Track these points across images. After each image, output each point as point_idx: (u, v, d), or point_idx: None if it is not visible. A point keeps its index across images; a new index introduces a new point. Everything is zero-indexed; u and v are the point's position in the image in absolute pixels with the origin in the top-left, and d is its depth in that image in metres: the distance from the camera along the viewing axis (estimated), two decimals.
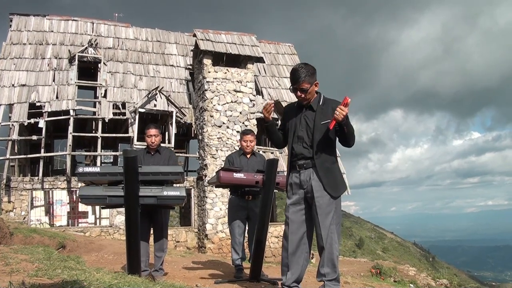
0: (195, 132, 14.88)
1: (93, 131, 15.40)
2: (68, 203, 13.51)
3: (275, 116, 15.03)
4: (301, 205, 3.12)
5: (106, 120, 14.40)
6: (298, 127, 3.14)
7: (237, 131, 13.34)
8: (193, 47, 14.86)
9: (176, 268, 5.59)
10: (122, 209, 3.80)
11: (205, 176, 13.17)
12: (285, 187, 3.33)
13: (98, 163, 14.05)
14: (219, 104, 13.55)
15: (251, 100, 14.04)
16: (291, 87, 3.12)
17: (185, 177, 14.06)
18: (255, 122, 14.04)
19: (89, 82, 15.30)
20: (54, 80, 14.61)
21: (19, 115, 13.44)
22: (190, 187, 14.27)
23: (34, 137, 13.39)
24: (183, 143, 18.26)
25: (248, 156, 4.82)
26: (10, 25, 15.71)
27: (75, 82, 14.66)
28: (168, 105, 14.93)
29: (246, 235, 4.82)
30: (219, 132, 13.36)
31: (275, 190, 4.27)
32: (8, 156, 12.90)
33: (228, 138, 13.41)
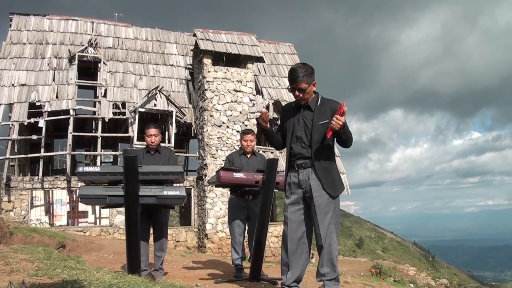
0: (195, 131, 14.88)
1: (93, 131, 15.40)
2: (68, 203, 13.51)
3: (275, 115, 15.04)
4: (299, 205, 3.12)
5: (106, 120, 14.40)
6: (296, 127, 3.14)
7: (237, 131, 13.34)
8: (193, 46, 14.86)
9: (176, 267, 5.58)
10: (122, 209, 3.80)
11: (205, 175, 13.17)
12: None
13: (98, 163, 14.05)
14: (219, 104, 13.55)
15: (251, 100, 14.04)
16: (289, 87, 3.13)
17: (185, 176, 14.06)
18: (255, 121, 14.05)
19: (89, 81, 15.30)
20: (54, 80, 14.61)
21: (19, 114, 13.44)
22: (190, 187, 14.28)
23: (34, 137, 13.38)
24: (183, 143, 18.25)
25: (249, 155, 4.82)
26: (10, 25, 15.71)
27: (75, 82, 14.66)
28: (168, 105, 14.93)
29: (246, 234, 4.82)
30: (219, 132, 13.36)
31: (275, 190, 4.27)
32: (8, 155, 12.90)
33: (228, 138, 13.41)
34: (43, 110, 13.79)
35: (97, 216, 13.83)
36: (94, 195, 3.70)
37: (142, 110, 14.55)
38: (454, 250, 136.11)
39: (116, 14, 18.24)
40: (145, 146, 4.55)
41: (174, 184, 4.00)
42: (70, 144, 13.48)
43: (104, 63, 15.50)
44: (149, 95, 14.79)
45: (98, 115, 14.35)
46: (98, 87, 15.15)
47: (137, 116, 14.40)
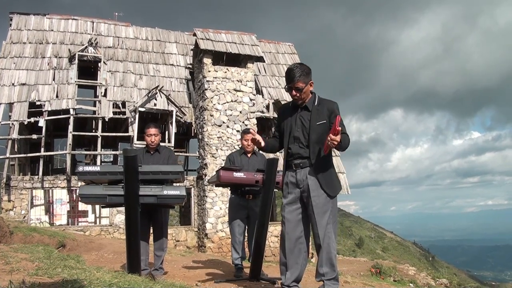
0: (195, 131, 14.88)
1: (93, 130, 15.41)
2: (68, 202, 13.52)
3: (275, 115, 15.03)
4: (297, 204, 3.12)
5: (106, 119, 14.40)
6: (294, 127, 3.15)
7: (237, 131, 13.34)
8: (193, 46, 14.86)
9: (176, 267, 5.58)
10: (122, 208, 3.80)
11: (205, 175, 13.18)
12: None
13: (98, 162, 14.05)
14: (219, 103, 13.55)
15: (251, 100, 14.05)
16: (286, 86, 3.15)
17: (185, 176, 14.07)
18: (255, 121, 14.05)
19: (89, 81, 15.31)
20: (54, 79, 14.61)
21: (19, 114, 13.44)
22: (190, 186, 14.28)
23: (34, 136, 13.39)
24: (183, 142, 18.25)
25: (249, 155, 4.82)
26: (10, 24, 15.71)
27: (75, 81, 14.66)
28: (168, 104, 14.93)
29: (246, 234, 4.82)
30: (219, 131, 13.36)
31: (275, 190, 4.27)
32: (8, 155, 12.91)
33: (228, 138, 13.41)
34: (43, 110, 13.80)
35: (97, 215, 13.84)
36: (94, 194, 3.70)
37: (142, 109, 14.55)
38: (454, 250, 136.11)
39: (116, 14, 18.26)
40: (145, 146, 4.56)
41: (174, 184, 4.00)
42: (70, 144, 13.49)
43: (104, 62, 15.50)
44: (149, 95, 14.79)
45: (98, 114, 14.35)
46: (98, 87, 15.15)
47: (137, 116, 14.40)
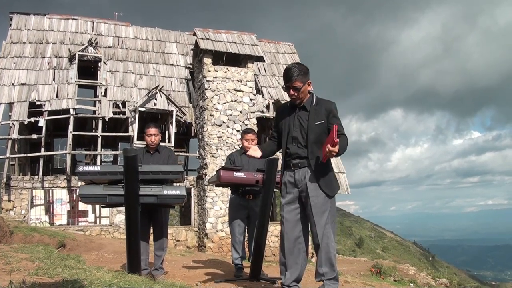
0: (195, 131, 14.88)
1: (93, 130, 15.41)
2: (68, 202, 13.53)
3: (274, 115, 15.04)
4: (295, 204, 3.12)
5: (106, 119, 14.40)
6: (292, 127, 3.15)
7: (237, 130, 13.35)
8: (193, 46, 14.86)
9: (176, 267, 5.58)
10: (122, 208, 3.80)
11: (205, 175, 13.18)
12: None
13: (98, 162, 14.05)
14: (219, 103, 13.55)
15: (251, 99, 14.04)
16: (284, 86, 3.15)
17: (185, 176, 14.07)
18: (255, 121, 14.05)
19: (89, 81, 15.31)
20: (54, 79, 14.61)
21: (19, 114, 13.44)
22: (190, 186, 14.28)
23: (34, 136, 13.39)
24: (183, 142, 18.26)
25: None
26: (10, 24, 15.71)
27: (75, 81, 14.66)
28: (168, 104, 14.93)
29: (246, 234, 4.82)
30: (219, 131, 13.36)
31: (275, 190, 4.27)
32: (8, 155, 12.91)
33: (228, 137, 13.41)
34: (43, 110, 13.80)
35: (97, 215, 13.84)
36: (94, 194, 3.70)
37: (142, 109, 14.55)
38: (454, 250, 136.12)
39: (116, 14, 18.25)
40: (145, 146, 4.56)
41: (174, 184, 4.00)
42: (70, 144, 13.49)
43: (104, 62, 15.50)
44: (149, 95, 14.79)
45: (98, 114, 14.35)
46: (98, 87, 15.15)
47: (137, 116, 14.40)
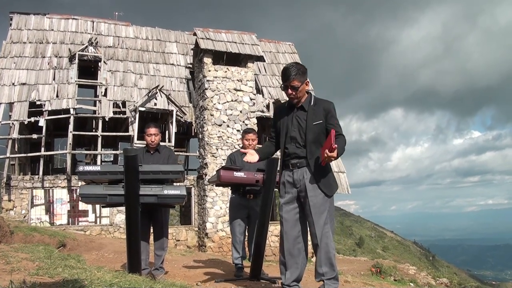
0: (195, 131, 14.88)
1: (93, 130, 15.41)
2: (68, 202, 13.53)
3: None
4: (294, 204, 3.12)
5: (106, 119, 14.40)
6: (290, 127, 3.16)
7: (237, 130, 13.35)
8: (194, 45, 14.86)
9: (177, 266, 5.59)
10: (123, 208, 3.80)
11: (206, 175, 13.18)
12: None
13: (99, 162, 14.06)
14: (219, 103, 13.55)
15: (251, 99, 14.04)
16: (282, 85, 3.16)
17: (185, 176, 14.07)
18: (255, 121, 14.05)
19: (89, 80, 15.30)
20: (54, 79, 14.61)
21: (19, 113, 13.44)
22: (191, 186, 14.28)
23: (34, 136, 13.39)
24: (183, 142, 18.26)
25: None
26: (10, 24, 15.70)
27: (75, 81, 14.66)
28: (168, 104, 14.93)
29: (247, 234, 4.82)
30: (219, 131, 13.36)
31: (275, 189, 4.27)
32: (8, 154, 12.91)
33: (228, 137, 13.41)
34: (44, 109, 13.80)
35: (98, 215, 13.85)
36: (94, 194, 3.70)
37: (143, 109, 14.55)
38: (454, 249, 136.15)
39: (117, 13, 18.23)
40: (145, 145, 4.56)
41: (175, 183, 4.00)
42: (70, 143, 13.49)
43: (104, 62, 15.50)
44: (149, 94, 14.79)
45: (99, 114, 14.35)
46: (98, 86, 15.15)
47: (137, 115, 14.40)
